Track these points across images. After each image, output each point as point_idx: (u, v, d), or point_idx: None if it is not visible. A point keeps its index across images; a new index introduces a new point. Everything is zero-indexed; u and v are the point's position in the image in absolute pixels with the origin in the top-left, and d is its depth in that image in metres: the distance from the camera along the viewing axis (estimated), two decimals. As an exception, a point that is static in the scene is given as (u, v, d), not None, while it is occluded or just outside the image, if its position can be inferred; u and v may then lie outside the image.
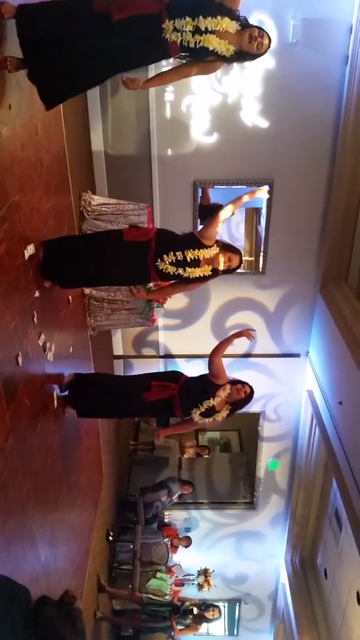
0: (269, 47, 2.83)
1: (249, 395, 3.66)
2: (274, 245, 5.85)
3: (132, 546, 6.50)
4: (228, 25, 2.66)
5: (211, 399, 3.57)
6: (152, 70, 4.17)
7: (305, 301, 6.17)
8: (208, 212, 6.54)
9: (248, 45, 2.75)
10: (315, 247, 5.85)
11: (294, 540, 7.75)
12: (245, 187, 5.65)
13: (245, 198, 3.29)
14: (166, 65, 3.38)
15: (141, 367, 6.61)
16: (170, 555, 7.07)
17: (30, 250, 2.98)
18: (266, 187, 3.34)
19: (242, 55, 2.81)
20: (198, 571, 7.83)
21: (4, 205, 2.62)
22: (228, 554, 8.34)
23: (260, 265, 6.02)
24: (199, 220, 5.75)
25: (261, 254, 5.98)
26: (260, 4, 4.77)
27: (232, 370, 6.48)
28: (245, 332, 3.70)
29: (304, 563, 7.82)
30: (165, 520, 7.94)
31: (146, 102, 5.14)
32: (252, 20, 4.75)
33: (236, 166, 5.47)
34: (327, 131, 5.26)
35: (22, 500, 2.86)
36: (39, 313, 3.15)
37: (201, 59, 2.79)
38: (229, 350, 6.29)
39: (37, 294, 3.13)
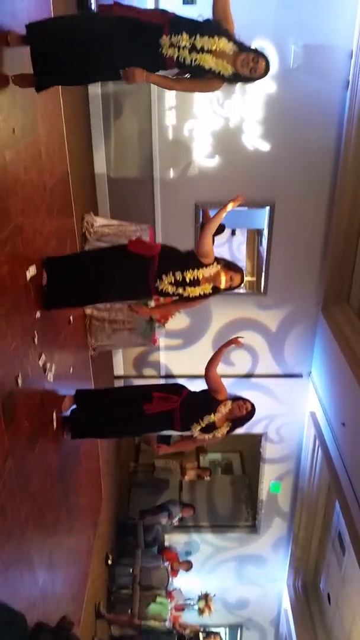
0: (266, 70, 2.86)
1: (250, 413, 3.61)
2: (276, 266, 5.87)
3: (131, 570, 6.41)
4: (224, 45, 2.72)
5: (212, 414, 3.54)
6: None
7: (307, 321, 6.16)
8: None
9: (242, 69, 2.80)
10: (316, 267, 5.87)
11: (296, 564, 7.63)
12: (246, 208, 5.70)
13: (228, 207, 3.24)
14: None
15: (142, 388, 6.59)
16: (170, 580, 6.96)
17: (31, 271, 3.00)
18: (242, 195, 3.29)
19: (240, 77, 2.86)
20: (199, 596, 7.71)
21: (7, 227, 2.64)
22: (229, 578, 8.20)
23: (262, 286, 6.03)
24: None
25: (263, 274, 6.00)
26: (261, 30, 4.86)
27: (234, 390, 6.47)
28: (234, 340, 3.65)
29: (307, 587, 7.68)
30: (166, 543, 7.83)
31: (149, 126, 5.21)
32: (254, 46, 4.87)
33: (238, 188, 5.46)
34: (328, 154, 5.32)
35: (20, 523, 2.83)
36: (40, 333, 3.15)
37: (199, 77, 2.84)
38: (231, 370, 6.38)
39: (38, 314, 3.13)
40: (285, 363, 6.43)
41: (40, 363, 3.20)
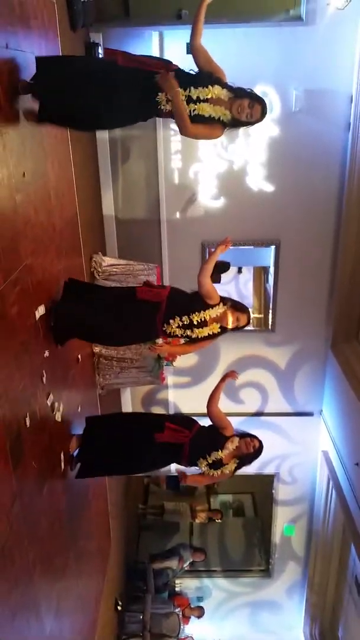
0: (263, 114, 2.95)
1: (258, 450, 3.57)
2: (283, 303, 5.89)
3: (141, 616, 6.20)
4: (219, 92, 2.84)
5: (219, 450, 3.49)
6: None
7: (317, 359, 6.13)
8: (215, 271, 6.64)
9: (238, 115, 2.91)
10: (324, 304, 5.88)
11: (312, 611, 7.35)
12: (252, 247, 5.77)
13: (218, 252, 3.29)
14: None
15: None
16: (182, 627, 6.72)
17: (40, 311, 3.03)
18: (229, 238, 3.33)
19: (239, 122, 2.96)
20: (212, 645, 7.43)
21: (17, 268, 2.69)
22: (243, 625, 7.91)
23: (270, 323, 6.04)
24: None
25: (270, 311, 6.01)
26: (263, 76, 5.03)
27: (245, 429, 6.37)
28: (229, 374, 3.64)
29: (325, 636, 7.36)
30: (177, 589, 7.61)
31: (155, 169, 5.35)
32: (256, 92, 5.03)
33: (243, 228, 5.60)
34: (331, 193, 5.41)
35: (28, 568, 2.76)
36: (48, 373, 3.16)
37: (197, 123, 2.92)
38: (241, 408, 6.32)
39: (47, 353, 3.15)
40: (296, 401, 6.36)
41: (49, 402, 3.19)
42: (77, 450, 3.74)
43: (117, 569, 6.16)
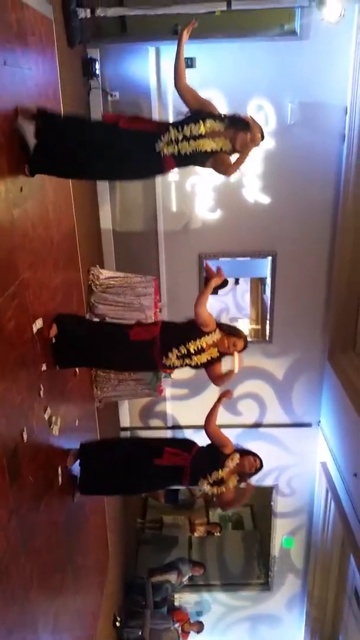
0: (262, 139, 3.01)
1: (258, 469, 3.60)
2: (280, 314, 5.90)
3: (140, 632, 6.12)
4: (212, 125, 2.87)
5: (219, 470, 3.49)
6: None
7: (314, 369, 6.13)
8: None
9: (240, 148, 2.95)
10: (321, 315, 5.89)
11: (312, 624, 7.27)
12: (249, 258, 5.79)
13: (212, 284, 3.34)
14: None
15: (149, 439, 6.51)
16: (181, 643, 6.65)
17: (38, 324, 3.03)
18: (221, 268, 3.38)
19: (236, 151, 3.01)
20: (211, 660, 7.34)
21: (14, 282, 2.69)
22: (243, 640, 7.83)
23: (267, 334, 6.05)
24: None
25: (267, 322, 6.02)
26: (258, 89, 5.09)
27: (243, 441, 6.37)
28: (225, 394, 3.65)
29: (325, 650, 7.30)
30: (176, 603, 7.53)
31: (152, 183, 5.38)
32: (252, 105, 5.09)
33: (240, 239, 5.63)
34: (327, 204, 5.45)
35: (25, 584, 2.73)
36: (46, 386, 3.15)
37: (205, 163, 2.98)
38: (239, 420, 6.30)
39: (44, 367, 3.14)
40: (294, 412, 6.35)
41: (46, 416, 3.18)
42: (76, 466, 3.73)
43: (116, 584, 6.10)
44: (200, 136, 2.85)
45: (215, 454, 3.56)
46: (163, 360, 3.37)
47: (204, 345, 3.34)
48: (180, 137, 2.84)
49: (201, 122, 2.84)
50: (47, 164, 2.95)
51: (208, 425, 3.60)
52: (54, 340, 3.31)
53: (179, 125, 2.85)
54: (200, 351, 3.34)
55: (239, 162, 3.01)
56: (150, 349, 3.35)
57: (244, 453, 3.61)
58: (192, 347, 3.32)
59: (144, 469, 3.65)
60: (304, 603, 7.31)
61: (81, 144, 2.89)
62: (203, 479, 3.51)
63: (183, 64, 2.95)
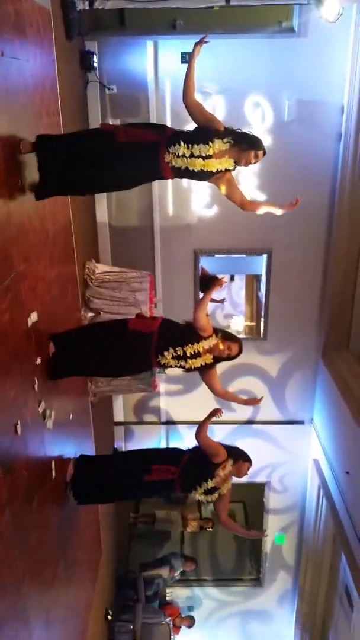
0: (263, 155, 3.08)
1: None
2: (275, 311, 5.91)
3: (131, 626, 6.14)
4: (220, 146, 2.93)
5: (210, 480, 3.54)
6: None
7: (308, 367, 6.15)
8: (208, 283, 6.72)
9: (244, 165, 3.07)
10: (315, 313, 5.91)
11: (303, 620, 7.31)
12: (245, 255, 5.79)
13: (214, 289, 3.44)
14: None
15: (142, 434, 6.51)
16: (172, 636, 6.67)
17: (33, 318, 3.02)
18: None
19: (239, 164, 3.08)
20: (202, 655, 7.38)
21: (9, 275, 2.68)
22: (233, 635, 7.86)
23: (262, 331, 6.06)
24: (199, 292, 5.88)
25: (262, 319, 6.03)
26: (256, 86, 5.09)
27: (236, 437, 6.39)
28: (215, 411, 3.72)
29: (315, 646, 7.35)
30: (167, 598, 7.55)
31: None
32: (249, 102, 5.08)
33: (236, 236, 5.63)
34: (323, 203, 5.46)
35: (17, 578, 2.73)
36: (40, 380, 3.14)
37: (205, 179, 3.09)
38: (232, 416, 6.31)
39: (38, 360, 3.13)
40: (287, 409, 6.37)
41: (40, 410, 3.17)
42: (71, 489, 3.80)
43: (108, 578, 6.11)
44: (209, 157, 2.92)
45: (205, 464, 3.60)
46: (158, 358, 3.39)
47: (200, 350, 3.37)
48: (188, 154, 2.90)
49: (210, 144, 2.90)
50: (52, 189, 3.07)
51: (199, 437, 3.63)
52: (51, 355, 3.36)
53: (188, 141, 2.90)
54: (195, 355, 3.38)
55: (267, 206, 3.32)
56: (146, 345, 3.36)
57: (237, 459, 3.66)
58: (189, 350, 3.35)
59: (135, 484, 3.75)
60: (294, 599, 7.35)
61: (82, 167, 2.97)
62: (195, 491, 3.58)
63: (193, 79, 2.98)
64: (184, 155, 2.90)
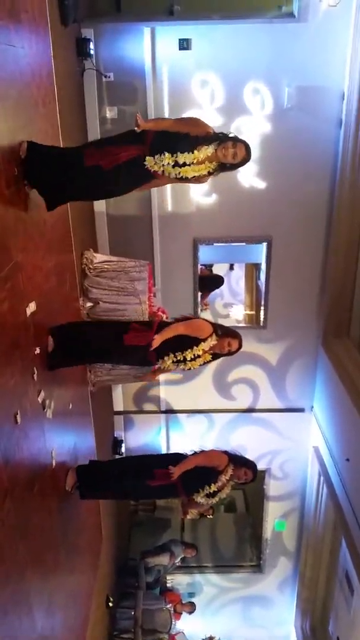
0: (248, 152, 3.11)
1: (251, 481, 3.74)
2: (275, 300, 5.91)
3: (133, 612, 6.21)
4: (204, 153, 2.97)
5: (212, 484, 3.58)
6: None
7: (308, 355, 6.16)
8: (208, 282, 6.75)
9: (224, 158, 3.04)
10: (315, 301, 5.90)
11: (303, 606, 7.39)
12: (244, 244, 5.78)
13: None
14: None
15: (142, 423, 6.53)
16: (173, 622, 6.74)
17: (31, 307, 3.02)
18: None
19: (225, 167, 3.11)
20: (203, 639, 7.46)
21: (7, 264, 2.67)
22: (234, 621, 7.95)
23: (262, 319, 6.05)
24: (199, 291, 5.95)
25: (262, 308, 6.03)
26: (255, 73, 5.04)
27: (237, 425, 6.43)
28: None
29: (315, 630, 7.42)
30: (168, 585, 7.62)
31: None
32: (249, 88, 5.04)
33: (235, 224, 5.61)
34: (323, 190, 5.43)
35: (19, 565, 2.76)
36: (39, 370, 3.14)
37: (194, 182, 3.14)
38: (233, 405, 6.33)
39: (37, 350, 3.14)
40: (287, 397, 6.39)
41: (40, 400, 3.18)
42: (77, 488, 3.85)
43: (109, 566, 6.17)
44: (192, 164, 2.98)
45: (207, 469, 3.64)
46: (158, 363, 3.45)
47: (200, 353, 3.40)
48: (172, 163, 2.96)
49: (195, 152, 2.95)
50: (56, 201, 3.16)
51: (193, 464, 3.64)
52: (50, 349, 3.37)
53: (172, 150, 2.94)
54: (195, 357, 3.41)
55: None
56: (145, 352, 3.39)
57: (239, 464, 3.69)
58: (188, 355, 3.38)
59: (140, 491, 3.89)
60: (295, 585, 7.43)
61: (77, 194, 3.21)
62: (197, 494, 3.61)
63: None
64: (168, 164, 2.96)
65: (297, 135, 5.24)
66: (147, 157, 2.94)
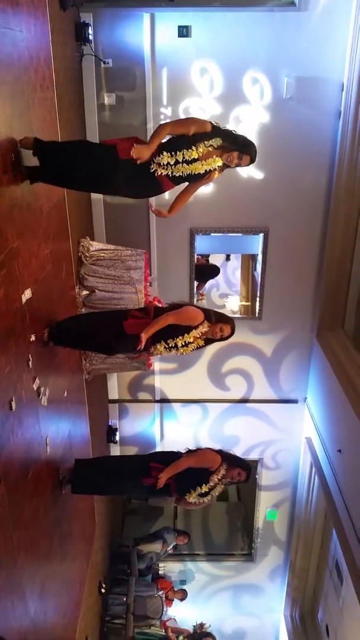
0: (252, 161, 3.16)
1: (244, 481, 3.75)
2: (270, 291, 5.91)
3: (125, 599, 6.27)
4: (203, 149, 3.01)
5: (204, 485, 3.61)
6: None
7: (302, 347, 6.18)
8: (204, 272, 6.74)
9: (228, 163, 3.12)
10: (311, 293, 5.91)
11: (293, 594, 7.48)
12: (241, 235, 5.77)
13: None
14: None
15: (137, 412, 6.55)
16: (164, 609, 6.81)
17: (27, 294, 3.01)
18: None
19: (229, 166, 3.17)
20: (194, 626, 7.53)
21: (3, 251, 2.66)
22: (225, 608, 8.03)
23: (257, 310, 6.06)
24: (195, 280, 5.94)
25: (257, 299, 6.03)
26: (254, 62, 5.00)
27: (230, 416, 6.46)
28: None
29: (304, 618, 7.51)
30: (160, 572, 7.68)
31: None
32: (248, 77, 5.00)
33: (232, 215, 5.59)
34: (320, 182, 5.41)
35: (12, 551, 2.77)
36: (35, 357, 3.14)
37: (199, 180, 3.17)
38: (227, 395, 6.35)
39: (32, 337, 3.13)
40: (281, 388, 6.42)
41: (35, 387, 3.18)
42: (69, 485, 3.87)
43: (102, 553, 6.21)
44: (194, 160, 3.02)
45: (199, 471, 3.66)
46: (151, 349, 3.51)
47: (192, 340, 3.46)
48: (173, 162, 3.00)
49: (194, 148, 2.99)
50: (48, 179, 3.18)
51: (184, 467, 3.66)
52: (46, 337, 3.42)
53: (171, 149, 2.99)
54: (187, 344, 3.47)
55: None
56: (138, 340, 3.40)
57: (233, 464, 3.71)
58: (180, 342, 3.45)
59: (134, 487, 3.88)
60: (285, 574, 7.50)
61: (85, 173, 3.10)
62: (189, 494, 3.64)
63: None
64: (168, 164, 3.00)
65: (295, 126, 5.21)
66: (152, 164, 3.01)
